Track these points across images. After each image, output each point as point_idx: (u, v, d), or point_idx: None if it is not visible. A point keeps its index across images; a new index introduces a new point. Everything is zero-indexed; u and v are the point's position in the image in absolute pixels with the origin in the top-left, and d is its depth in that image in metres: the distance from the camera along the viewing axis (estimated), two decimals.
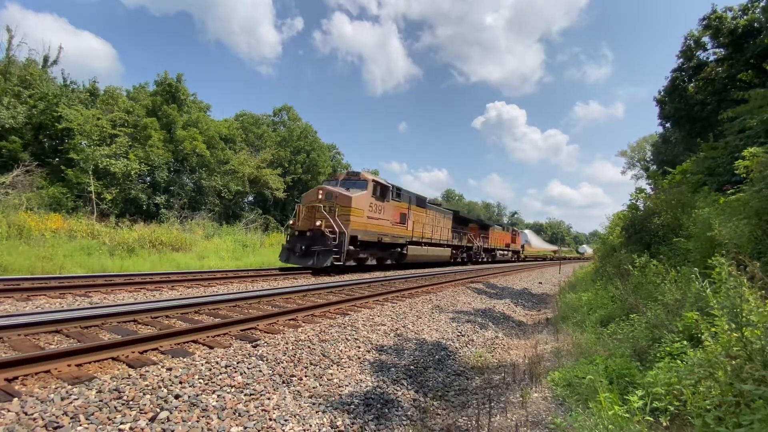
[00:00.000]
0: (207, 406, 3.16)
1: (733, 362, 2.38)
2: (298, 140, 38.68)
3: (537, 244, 63.27)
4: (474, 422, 3.56)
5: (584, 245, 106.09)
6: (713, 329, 2.73)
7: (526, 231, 63.73)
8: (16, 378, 3.34)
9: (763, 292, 2.73)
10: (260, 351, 4.48)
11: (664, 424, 2.59)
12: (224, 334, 5.21)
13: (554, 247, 76.07)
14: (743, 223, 5.03)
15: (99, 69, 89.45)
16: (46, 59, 26.48)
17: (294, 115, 41.74)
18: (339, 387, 4.01)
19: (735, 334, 2.47)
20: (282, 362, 4.27)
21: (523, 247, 46.32)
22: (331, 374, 4.27)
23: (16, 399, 2.87)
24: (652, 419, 2.54)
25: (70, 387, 3.16)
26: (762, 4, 16.83)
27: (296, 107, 46.12)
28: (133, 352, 4.20)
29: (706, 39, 19.86)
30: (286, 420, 3.19)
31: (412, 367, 4.92)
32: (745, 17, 17.75)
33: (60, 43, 53.31)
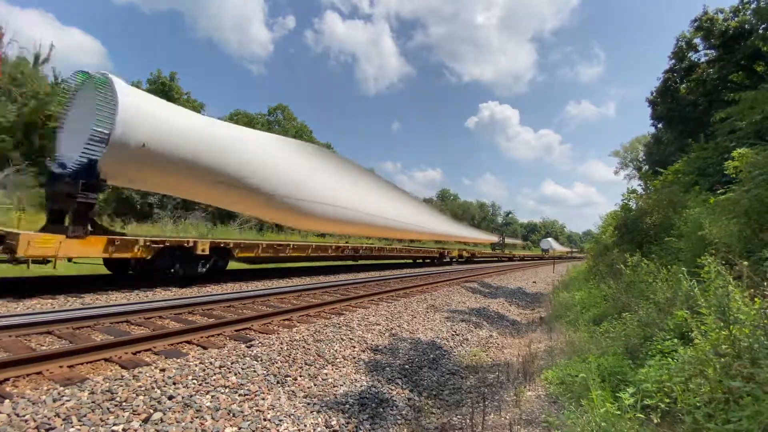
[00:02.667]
0: (201, 406, 3.14)
1: (722, 360, 2.42)
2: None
3: (390, 213, 18.50)
4: (468, 421, 3.58)
5: (549, 239, 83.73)
6: (703, 327, 2.77)
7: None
8: (7, 380, 3.31)
9: (752, 290, 2.78)
10: (255, 351, 4.47)
11: (655, 421, 2.62)
12: (218, 335, 5.19)
13: (485, 236, 40.89)
14: (733, 222, 5.10)
15: (88, 65, 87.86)
16: (37, 57, 26.12)
17: (289, 114, 41.63)
18: (334, 387, 4.01)
19: (724, 332, 2.51)
20: (277, 362, 4.27)
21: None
22: (326, 374, 4.27)
23: (7, 401, 2.84)
24: (643, 416, 2.58)
25: (62, 388, 3.13)
26: (753, 6, 17.04)
27: (289, 106, 46.17)
28: (126, 353, 4.17)
29: (697, 40, 20.08)
30: (280, 420, 3.18)
31: (406, 366, 4.93)
32: (736, 19, 17.95)
33: (51, 41, 52.62)
